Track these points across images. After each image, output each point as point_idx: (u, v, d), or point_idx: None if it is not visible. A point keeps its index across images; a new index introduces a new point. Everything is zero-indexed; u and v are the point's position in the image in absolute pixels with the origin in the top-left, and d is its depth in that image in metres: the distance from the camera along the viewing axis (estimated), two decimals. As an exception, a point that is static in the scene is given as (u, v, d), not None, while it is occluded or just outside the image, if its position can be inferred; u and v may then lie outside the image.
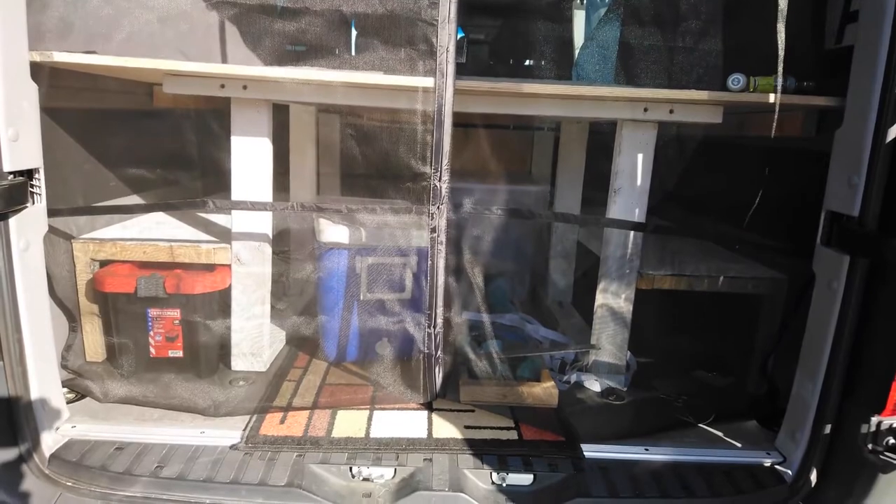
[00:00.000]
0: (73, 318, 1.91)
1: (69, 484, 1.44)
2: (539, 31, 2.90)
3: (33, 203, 1.47)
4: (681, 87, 1.69)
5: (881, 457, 1.43)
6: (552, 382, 1.84)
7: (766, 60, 1.58)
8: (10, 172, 1.38)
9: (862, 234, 1.42)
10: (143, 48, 1.77)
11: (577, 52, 3.14)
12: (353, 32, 1.62)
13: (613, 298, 1.92)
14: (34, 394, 1.49)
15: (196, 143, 2.23)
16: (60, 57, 1.50)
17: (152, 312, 1.83)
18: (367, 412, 1.70)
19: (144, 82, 2.25)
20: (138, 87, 2.28)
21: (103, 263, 1.90)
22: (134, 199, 2.22)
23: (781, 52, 1.49)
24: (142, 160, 2.20)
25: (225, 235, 1.93)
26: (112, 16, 1.79)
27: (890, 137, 1.37)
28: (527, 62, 3.16)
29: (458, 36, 3.75)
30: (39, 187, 1.49)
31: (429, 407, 1.74)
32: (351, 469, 1.47)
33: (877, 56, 1.37)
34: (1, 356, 1.43)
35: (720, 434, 1.73)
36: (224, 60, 2.17)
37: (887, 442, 1.44)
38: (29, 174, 1.45)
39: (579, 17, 3.87)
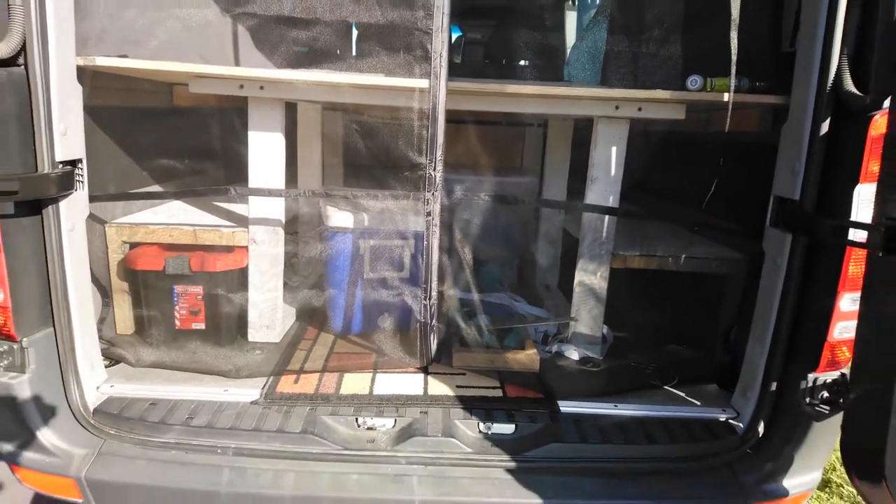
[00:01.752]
0: (106, 294, 2.11)
1: (112, 432, 1.64)
2: (533, 32, 3.09)
3: (77, 189, 1.66)
4: (649, 87, 1.88)
5: (816, 408, 1.63)
6: (535, 350, 2.04)
7: (726, 63, 1.77)
8: (61, 162, 1.58)
9: (802, 215, 1.61)
10: (166, 52, 1.96)
11: (569, 51, 3.33)
12: (357, 40, 1.79)
13: (590, 276, 2.12)
14: (79, 357, 1.68)
15: (212, 136, 2.44)
16: (102, 61, 1.69)
17: (178, 289, 2.02)
18: (371, 374, 1.90)
19: (166, 82, 2.44)
20: (160, 87, 2.47)
21: (133, 245, 2.09)
22: (156, 188, 2.42)
23: (734, 57, 1.68)
24: (164, 152, 2.39)
25: (240, 220, 2.13)
26: (138, 24, 1.99)
27: (823, 131, 1.57)
28: (521, 62, 3.34)
29: (456, 35, 3.95)
30: (83, 175, 1.68)
31: (425, 370, 1.94)
32: (357, 420, 1.67)
33: (813, 59, 1.55)
34: (53, 323, 1.63)
35: (682, 395, 1.93)
36: (237, 63, 2.35)
37: (821, 396, 1.64)
38: (74, 164, 1.64)
39: (572, 20, 4.05)
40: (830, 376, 1.62)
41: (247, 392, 1.78)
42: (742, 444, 1.72)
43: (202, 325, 2.07)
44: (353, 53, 1.79)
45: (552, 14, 3.45)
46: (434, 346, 1.92)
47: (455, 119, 2.09)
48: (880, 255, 1.35)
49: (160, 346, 1.99)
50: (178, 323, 2.06)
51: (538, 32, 3.12)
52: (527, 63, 3.25)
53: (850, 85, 1.48)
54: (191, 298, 2.03)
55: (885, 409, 1.33)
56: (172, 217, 2.18)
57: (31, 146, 1.52)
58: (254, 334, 2.13)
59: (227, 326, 2.09)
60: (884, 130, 1.39)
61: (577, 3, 3.98)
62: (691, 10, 1.96)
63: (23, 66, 1.48)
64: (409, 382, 1.88)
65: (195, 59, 2.00)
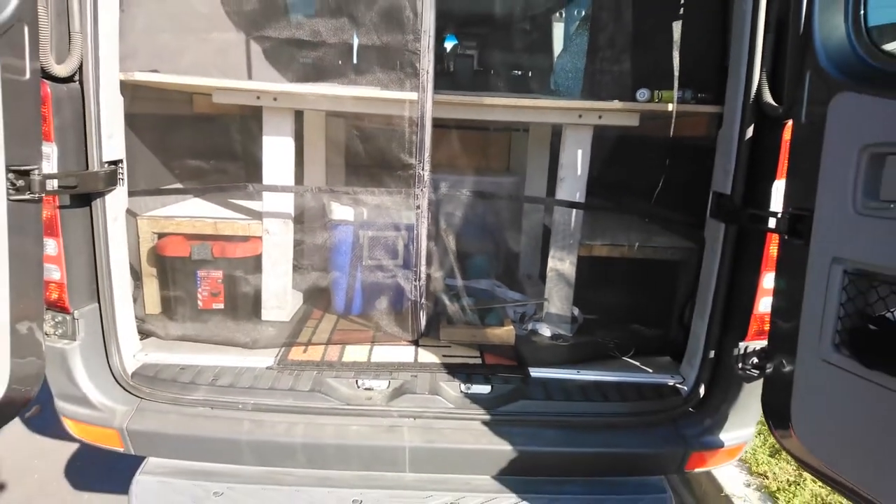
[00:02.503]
0: (137, 277, 2.38)
1: (147, 391, 1.92)
2: (523, 43, 3.36)
3: (119, 185, 1.94)
4: (608, 98, 2.16)
5: (747, 372, 1.90)
6: (511, 327, 2.32)
7: (683, 74, 2.06)
8: (107, 162, 1.85)
9: (732, 207, 1.89)
10: (189, 66, 2.25)
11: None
12: (357, 58, 2.06)
13: (561, 263, 2.40)
14: (119, 328, 1.96)
15: (226, 139, 2.72)
16: (140, 76, 1.97)
17: (201, 273, 2.30)
18: (369, 346, 2.18)
19: (186, 92, 2.71)
20: (182, 96, 2.75)
21: (161, 235, 2.37)
22: (177, 185, 2.69)
23: (677, 72, 1.96)
24: (186, 153, 2.67)
25: (252, 213, 2.40)
26: (165, 42, 2.26)
27: (748, 136, 1.85)
28: (512, 72, 3.61)
29: (452, 44, 4.20)
30: (123, 173, 1.96)
31: (415, 343, 2.22)
32: (356, 382, 1.95)
33: (740, 75, 1.83)
34: (98, 299, 1.91)
35: (638, 364, 2.21)
36: (250, 74, 2.63)
37: (751, 361, 1.91)
38: (116, 163, 1.92)
39: (559, 31, 4.32)
40: (758, 344, 1.89)
41: (262, 360, 2.06)
42: (685, 404, 2.00)
43: (221, 305, 2.35)
44: (354, 70, 2.05)
45: (541, 26, 3.72)
46: (424, 322, 2.19)
47: (443, 125, 2.36)
48: (786, 238, 1.64)
49: (185, 323, 2.27)
50: (200, 303, 2.34)
51: (528, 43, 3.39)
52: (516, 72, 3.52)
53: (768, 97, 1.76)
54: (212, 282, 2.31)
55: (790, 369, 1.62)
56: (194, 210, 2.45)
57: (84, 148, 1.79)
58: (266, 313, 2.41)
59: (244, 306, 2.37)
60: (792, 135, 1.68)
61: (563, 15, 4.26)
62: (640, 33, 2.23)
63: (78, 83, 1.76)
64: (401, 352, 2.16)
65: (214, 72, 2.29)
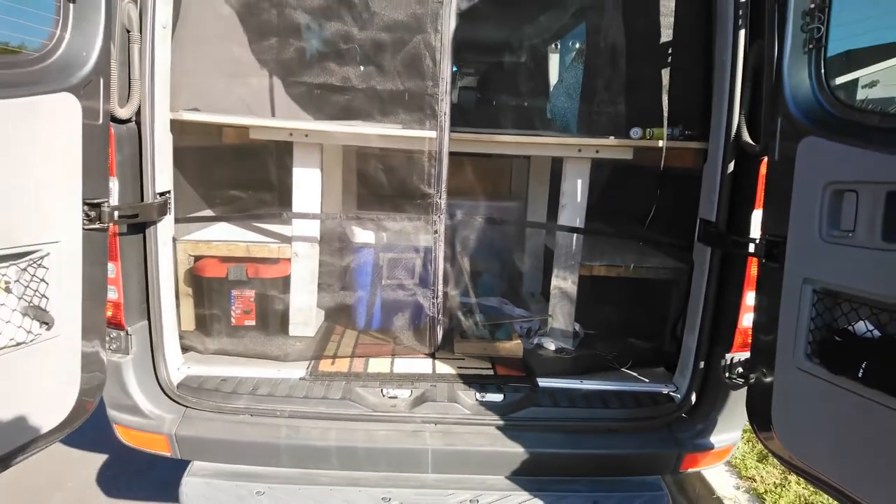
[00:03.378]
0: (174, 296, 2.55)
1: (193, 400, 2.09)
2: (520, 73, 3.58)
3: (168, 213, 2.13)
4: (605, 134, 2.39)
5: (732, 380, 2.09)
6: (519, 341, 2.51)
7: (672, 114, 2.28)
8: (159, 193, 2.04)
9: (717, 233, 2.10)
10: (221, 103, 2.45)
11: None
12: (383, 100, 2.26)
13: (563, 282, 2.59)
14: (165, 343, 2.13)
15: (253, 168, 2.91)
16: (187, 115, 2.17)
17: (235, 292, 2.49)
18: (390, 359, 2.36)
19: (217, 126, 2.91)
20: (213, 129, 2.94)
21: (197, 258, 2.55)
22: (208, 212, 2.88)
23: (666, 114, 2.19)
24: (217, 181, 2.86)
25: (278, 236, 2.59)
26: (202, 83, 2.46)
27: (730, 170, 2.06)
28: (511, 101, 3.83)
29: (452, 70, 4.43)
30: (171, 203, 2.15)
31: (432, 356, 2.40)
32: (382, 391, 2.12)
33: (722, 117, 2.05)
34: (148, 317, 2.08)
35: (635, 374, 2.40)
36: (273, 109, 2.82)
37: (737, 371, 2.10)
38: (165, 194, 2.11)
39: (555, 60, 4.55)
40: (743, 356, 2.08)
41: (295, 372, 2.24)
42: (678, 410, 2.18)
43: (253, 322, 2.52)
44: (379, 110, 2.25)
45: (539, 58, 3.96)
46: (440, 337, 2.38)
47: (453, 155, 2.57)
48: (763, 261, 1.84)
49: (221, 338, 2.44)
50: (234, 320, 2.51)
51: (526, 74, 3.62)
52: (515, 102, 3.74)
53: (746, 136, 1.97)
54: (245, 300, 2.49)
55: (769, 376, 1.81)
56: (227, 235, 2.64)
57: (139, 181, 1.99)
58: (294, 329, 2.58)
59: (273, 323, 2.55)
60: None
61: (559, 47, 4.52)
62: (633, 78, 2.45)
63: (135, 123, 1.95)
64: (420, 364, 2.34)
65: (242, 108, 2.50)
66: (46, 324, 1.57)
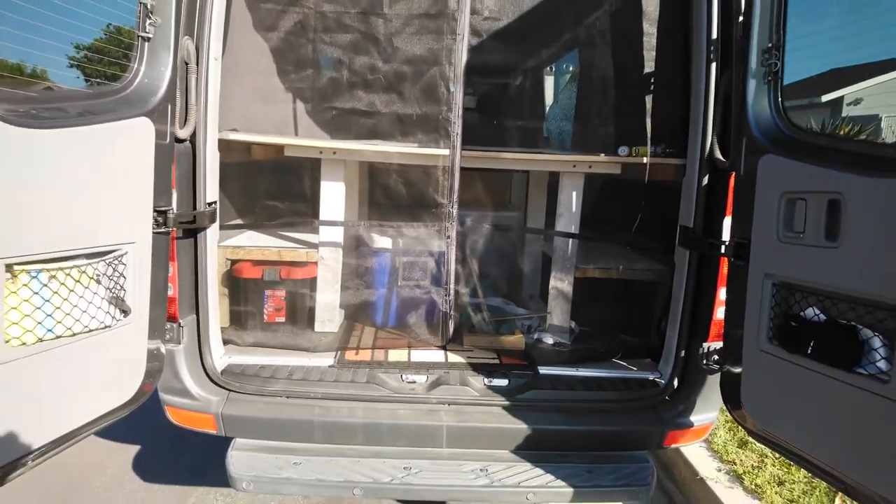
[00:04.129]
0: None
1: (235, 386, 2.33)
2: (522, 98, 3.86)
3: (216, 220, 2.39)
4: (596, 152, 2.67)
5: (709, 367, 2.35)
6: (521, 335, 2.76)
7: (655, 133, 2.56)
8: (208, 203, 2.31)
9: (694, 237, 2.37)
10: (251, 123, 2.72)
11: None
12: (403, 122, 2.53)
13: (560, 283, 2.86)
14: (210, 335, 2.38)
15: (279, 181, 3.18)
16: (233, 136, 2.45)
17: (268, 292, 2.74)
18: (407, 350, 2.62)
19: (247, 143, 3.18)
20: (243, 146, 3.22)
21: (234, 262, 2.81)
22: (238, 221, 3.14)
23: (650, 134, 2.47)
24: (247, 192, 3.12)
25: (303, 243, 2.84)
26: (236, 106, 2.73)
27: (705, 182, 2.34)
28: (514, 122, 4.11)
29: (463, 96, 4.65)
30: (217, 211, 2.41)
31: (444, 348, 2.66)
32: (401, 376, 2.37)
33: (697, 137, 2.33)
34: (197, 311, 2.33)
35: (625, 364, 2.66)
36: (296, 128, 3.09)
37: (713, 358, 2.35)
38: (212, 204, 2.37)
39: (550, 84, 4.85)
40: (717, 345, 2.34)
41: (324, 361, 2.49)
42: (662, 393, 2.43)
43: (283, 319, 2.78)
44: (399, 131, 2.52)
45: (536, 79, 4.26)
46: (451, 331, 2.64)
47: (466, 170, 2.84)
48: (732, 260, 2.11)
49: (255, 332, 2.69)
50: (266, 317, 2.77)
51: (524, 94, 3.90)
52: (517, 122, 4.02)
53: (717, 153, 2.25)
54: (276, 299, 2.75)
55: (738, 360, 2.07)
56: (260, 241, 2.90)
57: (192, 192, 2.25)
58: (319, 325, 2.83)
59: (301, 319, 2.80)
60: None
61: (553, 69, 4.82)
62: (622, 102, 2.74)
63: (190, 142, 2.22)
64: (434, 355, 2.59)
65: (271, 128, 2.77)
66: (125, 312, 1.82)
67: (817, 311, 1.79)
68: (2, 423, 1.46)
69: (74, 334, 1.63)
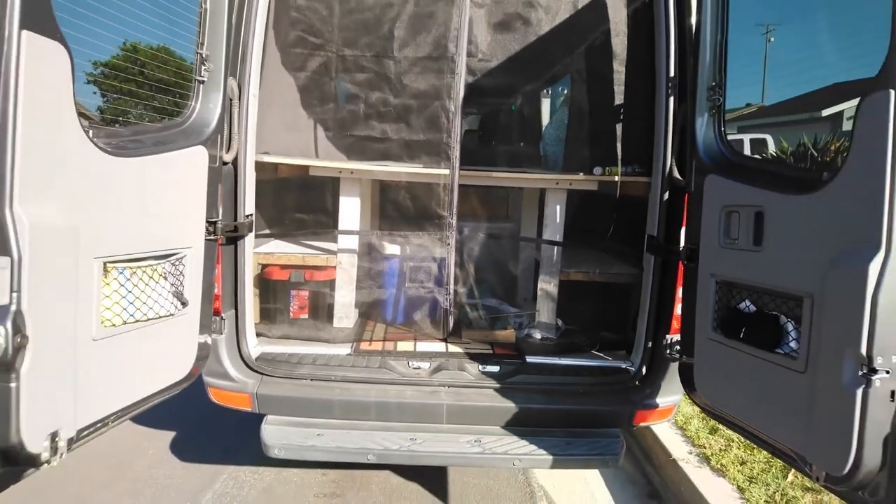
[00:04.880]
0: (245, 295, 3.19)
1: (267, 371, 2.70)
2: (509, 123, 4.25)
3: (253, 230, 2.78)
4: (576, 171, 3.05)
5: (671, 356, 2.69)
6: (513, 330, 3.12)
7: (625, 155, 2.94)
8: (247, 215, 2.70)
9: (658, 244, 2.73)
10: (280, 146, 3.11)
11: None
12: (410, 146, 2.92)
13: (547, 285, 3.22)
14: (246, 327, 2.76)
15: (301, 196, 3.58)
16: (267, 158, 2.84)
17: (293, 292, 3.12)
18: (413, 342, 2.98)
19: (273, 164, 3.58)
20: (269, 167, 3.61)
21: (264, 266, 3.19)
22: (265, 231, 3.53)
23: (620, 156, 2.84)
24: (274, 207, 3.52)
25: (324, 249, 3.23)
26: (266, 133, 3.13)
27: (666, 198, 2.70)
28: (505, 144, 4.50)
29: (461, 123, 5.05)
30: (253, 222, 2.80)
31: (445, 340, 3.02)
32: (408, 363, 2.74)
33: (659, 158, 2.70)
34: (235, 306, 2.71)
35: (602, 355, 3.00)
36: (316, 150, 3.48)
37: (673, 348, 2.69)
38: (250, 216, 2.76)
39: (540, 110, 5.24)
40: (678, 337, 2.69)
41: (342, 350, 2.86)
42: (632, 379, 2.77)
43: (306, 315, 3.15)
44: (407, 154, 2.91)
45: (521, 110, 4.64)
46: (451, 326, 3.00)
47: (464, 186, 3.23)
48: (686, 263, 2.47)
49: (283, 326, 3.06)
50: (291, 314, 3.14)
51: (521, 117, 4.29)
52: (505, 144, 4.41)
53: (676, 173, 2.61)
54: (300, 298, 3.13)
55: (691, 349, 2.41)
56: (282, 248, 3.29)
57: (234, 206, 2.64)
58: (337, 321, 3.20)
59: (321, 316, 3.17)
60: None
61: (549, 92, 5.22)
62: (596, 130, 3.12)
63: (233, 164, 2.62)
64: (436, 346, 2.96)
65: (295, 151, 3.16)
66: (184, 303, 2.20)
67: (748, 304, 2.14)
68: (95, 388, 1.84)
69: (148, 319, 2.01)
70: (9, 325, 1.44)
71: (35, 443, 1.55)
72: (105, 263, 1.83)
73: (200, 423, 3.88)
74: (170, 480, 3.26)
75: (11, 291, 1.46)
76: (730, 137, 2.43)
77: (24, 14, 1.43)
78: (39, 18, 1.48)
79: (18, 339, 1.47)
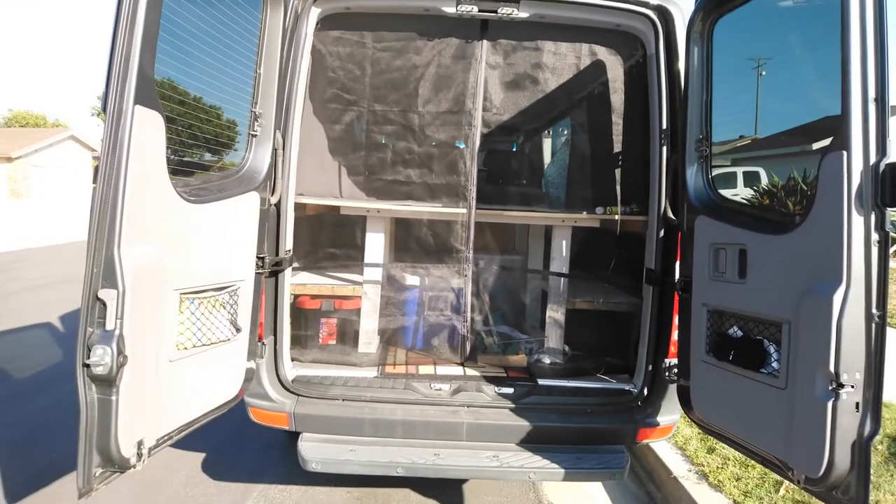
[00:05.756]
0: (278, 323, 3.46)
1: (303, 392, 2.94)
2: (519, 168, 4.58)
3: (292, 264, 3.06)
4: (580, 210, 3.36)
5: (670, 378, 2.94)
6: (524, 355, 3.38)
7: (624, 196, 3.25)
8: (287, 250, 2.99)
9: (656, 276, 3.01)
10: (311, 188, 3.43)
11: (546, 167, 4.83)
12: (430, 189, 3.25)
13: (555, 314, 3.50)
14: (283, 352, 3.01)
15: (327, 232, 3.88)
16: (305, 199, 3.15)
17: (323, 320, 3.39)
18: (433, 365, 3.24)
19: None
20: (301, 205, 3.93)
21: (296, 296, 3.46)
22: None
23: (619, 197, 3.16)
24: (305, 241, 3.82)
25: (350, 281, 3.51)
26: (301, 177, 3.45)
27: (661, 235, 3.00)
28: (514, 186, 4.83)
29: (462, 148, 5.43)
30: (293, 256, 3.08)
31: (462, 364, 3.27)
32: (430, 384, 2.99)
33: (653, 199, 3.01)
34: (275, 332, 2.98)
35: (607, 378, 3.26)
36: (341, 189, 3.80)
37: (673, 371, 2.95)
38: (289, 251, 3.05)
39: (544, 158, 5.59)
40: (675, 360, 2.95)
41: (369, 373, 3.11)
42: (635, 400, 3.02)
43: (334, 341, 3.41)
44: (429, 195, 3.22)
45: (531, 156, 5.00)
46: (468, 351, 3.26)
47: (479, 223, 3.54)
48: (681, 293, 2.75)
49: (314, 351, 3.32)
50: (320, 340, 3.40)
51: (525, 156, 4.64)
52: (516, 186, 4.74)
53: (670, 214, 2.92)
54: (330, 325, 3.39)
55: (687, 372, 2.67)
56: (314, 279, 3.57)
57: (276, 243, 2.93)
58: (362, 347, 3.46)
59: (348, 341, 3.43)
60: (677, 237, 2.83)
61: (551, 133, 5.59)
62: (598, 173, 3.45)
63: (276, 206, 2.92)
64: (454, 370, 3.21)
65: (325, 192, 3.47)
66: (238, 329, 2.48)
67: (736, 329, 2.42)
68: (168, 403, 2.10)
69: (210, 343, 2.28)
70: (114, 346, 1.72)
71: (127, 448, 1.81)
72: (181, 294, 2.11)
73: (227, 446, 4.09)
74: (205, 498, 3.45)
75: (116, 318, 1.74)
76: (724, 171, 2.74)
77: (138, 93, 1.75)
78: (146, 95, 1.81)
79: (121, 359, 1.74)
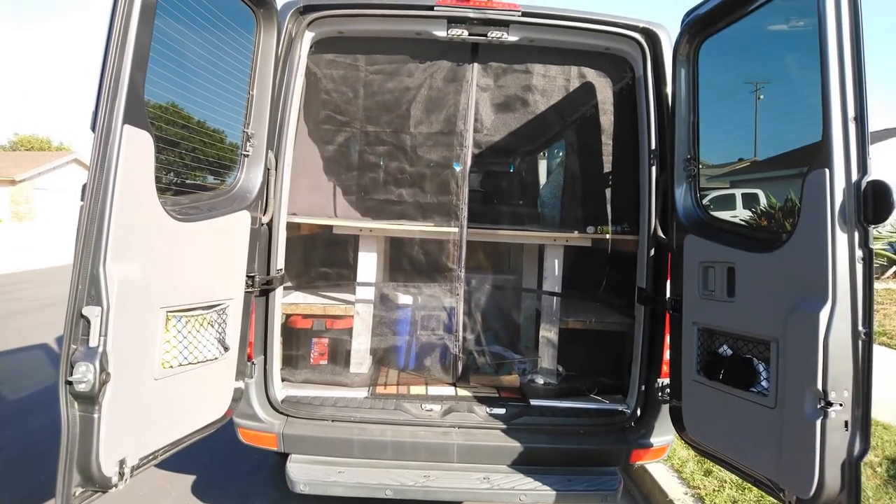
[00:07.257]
0: (269, 343, 3.44)
1: (292, 412, 2.91)
2: (510, 188, 4.63)
3: (283, 283, 3.06)
4: (572, 229, 3.37)
5: (663, 398, 2.91)
6: (517, 376, 3.35)
7: (615, 216, 3.26)
8: (278, 269, 2.99)
9: (647, 295, 3.01)
10: (304, 207, 3.44)
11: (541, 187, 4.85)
12: (422, 210, 3.26)
13: (548, 333, 3.48)
14: (273, 372, 2.99)
15: (319, 252, 3.88)
16: (296, 219, 3.17)
17: (314, 339, 3.37)
18: (425, 386, 3.20)
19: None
20: (292, 225, 3.94)
21: (287, 315, 3.45)
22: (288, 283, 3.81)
23: (610, 216, 3.17)
24: (297, 260, 3.82)
25: (342, 300, 3.51)
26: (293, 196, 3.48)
27: (652, 254, 3.00)
28: (505, 206, 4.87)
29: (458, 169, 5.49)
30: (284, 276, 3.09)
31: (454, 384, 3.24)
32: (421, 405, 2.95)
33: (644, 218, 3.02)
34: (265, 352, 2.96)
35: (599, 398, 3.22)
36: (335, 209, 3.83)
37: (666, 391, 2.92)
38: (280, 270, 3.05)
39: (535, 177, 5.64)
40: (668, 380, 2.92)
41: (360, 393, 3.08)
42: (628, 420, 2.98)
43: (325, 361, 3.39)
44: (421, 214, 3.24)
45: (521, 176, 5.05)
46: (460, 371, 3.23)
47: (471, 242, 3.54)
48: (672, 312, 2.74)
49: (304, 371, 3.30)
50: (312, 360, 3.38)
51: (516, 176, 4.67)
52: (507, 206, 4.77)
53: (660, 233, 2.93)
54: (321, 345, 3.37)
55: (679, 392, 2.65)
56: (305, 299, 3.56)
57: (267, 262, 2.93)
58: (353, 367, 3.44)
59: (339, 361, 3.41)
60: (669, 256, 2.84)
61: (546, 154, 5.65)
62: (589, 193, 3.48)
63: (267, 225, 2.93)
64: (446, 390, 3.18)
65: (318, 211, 3.49)
66: (226, 348, 2.46)
67: (726, 348, 2.40)
68: (152, 422, 2.07)
69: (197, 362, 2.27)
70: (97, 363, 1.71)
71: (109, 467, 1.78)
72: (168, 312, 2.10)
73: (217, 469, 4.02)
74: (193, 521, 3.39)
75: (100, 335, 1.74)
76: (723, 193, 2.75)
77: (127, 112, 1.77)
78: (136, 114, 1.83)
79: (103, 377, 1.73)
